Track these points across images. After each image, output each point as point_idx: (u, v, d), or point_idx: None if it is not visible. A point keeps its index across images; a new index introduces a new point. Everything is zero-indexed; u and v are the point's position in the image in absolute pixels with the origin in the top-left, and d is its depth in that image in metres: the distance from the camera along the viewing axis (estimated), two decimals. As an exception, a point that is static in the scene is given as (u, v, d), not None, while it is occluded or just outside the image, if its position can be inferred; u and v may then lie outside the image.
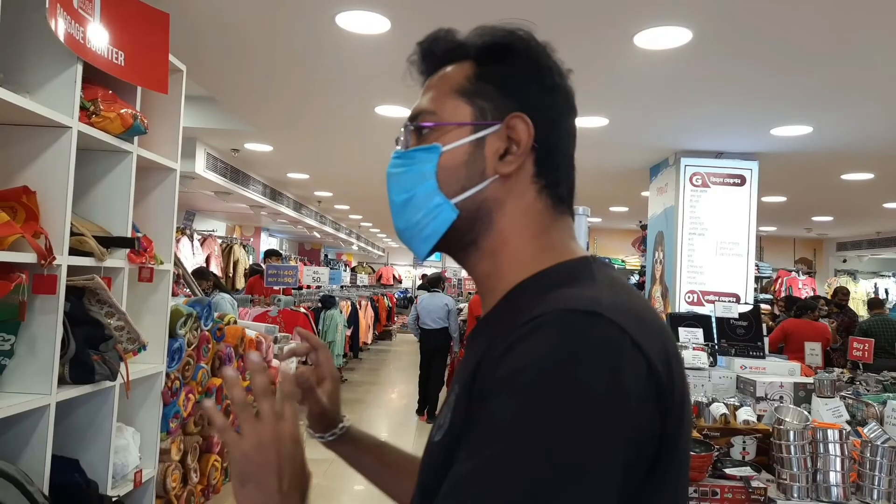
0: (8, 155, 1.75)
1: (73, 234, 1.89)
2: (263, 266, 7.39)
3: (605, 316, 0.56)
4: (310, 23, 2.86)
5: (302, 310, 6.55)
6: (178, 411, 2.58)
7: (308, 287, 8.96)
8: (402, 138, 0.73)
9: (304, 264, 12.52)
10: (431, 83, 0.73)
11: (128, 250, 2.13)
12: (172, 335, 2.53)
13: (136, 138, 2.14)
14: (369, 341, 10.98)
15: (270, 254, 7.76)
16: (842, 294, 7.86)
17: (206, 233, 9.36)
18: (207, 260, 9.03)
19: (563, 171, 0.72)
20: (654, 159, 5.45)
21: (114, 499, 2.09)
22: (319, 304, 7.51)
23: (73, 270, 1.89)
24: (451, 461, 0.57)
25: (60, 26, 1.70)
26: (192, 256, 8.44)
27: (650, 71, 3.33)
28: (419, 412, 6.78)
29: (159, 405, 2.44)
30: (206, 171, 5.86)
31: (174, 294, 3.02)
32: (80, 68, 1.81)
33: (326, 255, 20.01)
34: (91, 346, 1.95)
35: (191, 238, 8.51)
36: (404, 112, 4.31)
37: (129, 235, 2.16)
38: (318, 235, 14.08)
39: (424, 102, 0.72)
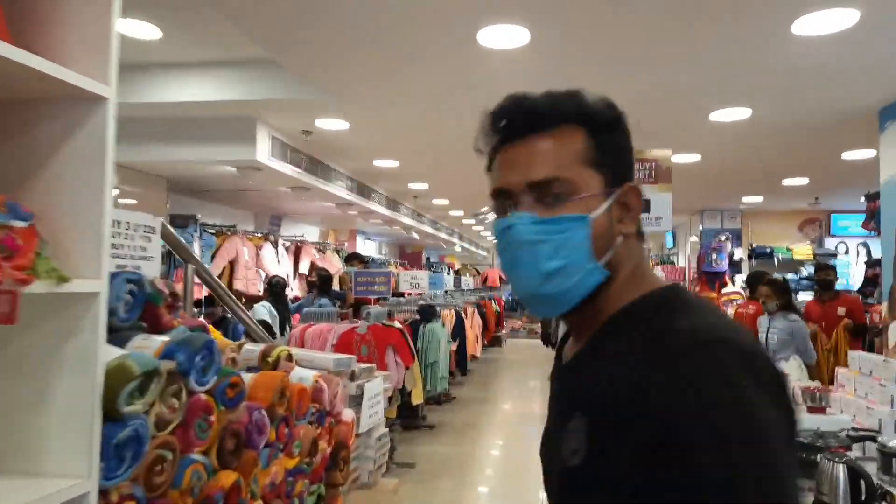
0: None
1: None
2: (347, 270, 6.22)
3: (734, 340, 0.69)
4: None
5: (397, 324, 5.32)
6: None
7: (409, 294, 7.79)
8: (522, 203, 0.78)
9: (404, 268, 11.46)
10: (542, 149, 0.78)
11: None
12: (113, 417, 1.29)
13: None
14: (478, 353, 9.64)
15: (352, 258, 6.59)
16: None
17: (295, 239, 8.46)
18: (310, 268, 8.14)
19: None
20: (883, 97, 3.69)
21: None
22: (417, 316, 6.25)
23: None
24: (597, 486, 0.70)
25: None
26: (276, 265, 7.52)
27: None
28: None
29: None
30: (273, 159, 4.77)
31: (171, 326, 1.80)
32: None
33: (429, 259, 18.94)
34: None
35: (275, 245, 7.59)
36: (515, 36, 2.95)
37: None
38: (417, 236, 13.02)
39: (552, 170, 0.77)
